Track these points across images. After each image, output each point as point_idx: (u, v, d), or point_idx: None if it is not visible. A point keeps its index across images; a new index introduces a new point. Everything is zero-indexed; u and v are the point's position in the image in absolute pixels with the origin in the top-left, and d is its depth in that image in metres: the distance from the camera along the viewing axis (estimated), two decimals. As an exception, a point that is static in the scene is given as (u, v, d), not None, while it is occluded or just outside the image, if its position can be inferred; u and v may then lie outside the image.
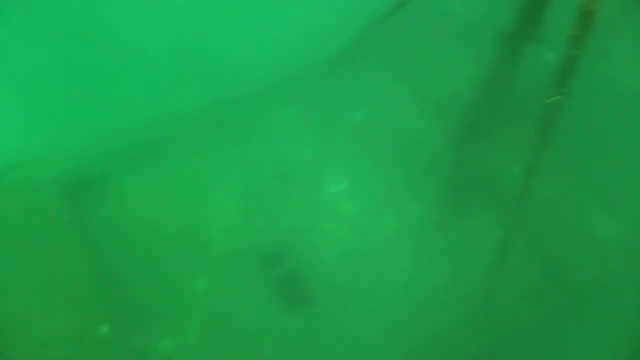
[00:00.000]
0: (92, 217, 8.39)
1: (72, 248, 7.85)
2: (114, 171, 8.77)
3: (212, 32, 10.52)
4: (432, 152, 9.00)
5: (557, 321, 8.16)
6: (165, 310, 7.85)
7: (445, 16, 9.84)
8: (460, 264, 8.29)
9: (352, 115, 9.47)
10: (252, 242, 8.39)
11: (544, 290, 8.29)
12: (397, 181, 8.88)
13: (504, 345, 8.05)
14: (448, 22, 9.98)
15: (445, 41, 9.95)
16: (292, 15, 10.46)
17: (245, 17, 10.48)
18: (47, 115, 9.98)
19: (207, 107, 9.38)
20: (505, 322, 8.08)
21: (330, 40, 9.54)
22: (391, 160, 9.04)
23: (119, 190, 8.59)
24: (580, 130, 9.02)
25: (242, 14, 10.61)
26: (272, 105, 9.41)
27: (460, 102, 8.65)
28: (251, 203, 8.68)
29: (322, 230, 8.53)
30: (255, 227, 8.52)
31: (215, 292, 8.05)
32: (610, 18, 8.67)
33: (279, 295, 8.16)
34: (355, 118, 9.45)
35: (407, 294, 8.18)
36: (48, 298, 7.48)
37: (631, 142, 8.24)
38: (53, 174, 8.46)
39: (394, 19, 8.51)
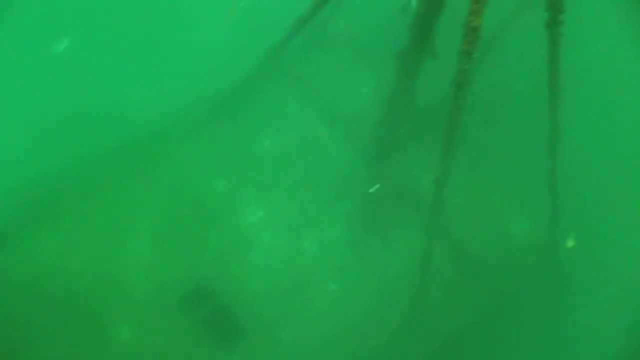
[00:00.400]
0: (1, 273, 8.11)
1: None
2: (23, 223, 8.43)
3: (110, 74, 10.29)
4: (344, 172, 9.09)
5: (487, 321, 8.37)
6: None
7: (344, 37, 10.01)
8: (385, 278, 8.38)
9: (261, 142, 9.46)
10: (174, 282, 8.19)
11: (471, 293, 8.49)
12: (314, 204, 8.92)
13: (441, 352, 8.16)
14: (348, 43, 10.16)
15: (347, 61, 10.12)
16: (191, 50, 10.34)
17: (144, 56, 10.31)
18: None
19: (115, 150, 9.10)
20: (438, 329, 8.20)
21: (233, 69, 9.53)
22: (305, 184, 9.06)
23: (29, 243, 8.26)
24: (483, 136, 9.37)
25: (139, 54, 10.43)
26: (181, 140, 9.27)
27: (368, 119, 8.78)
28: (170, 242, 8.49)
29: (244, 262, 8.43)
30: (176, 266, 8.32)
31: (139, 339, 7.77)
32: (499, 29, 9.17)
33: (209, 333, 7.98)
34: (265, 145, 9.45)
35: (337, 315, 8.19)
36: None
37: (530, 142, 8.59)
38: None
39: (294, 44, 8.60)
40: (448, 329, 8.24)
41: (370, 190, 8.19)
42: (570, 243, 8.13)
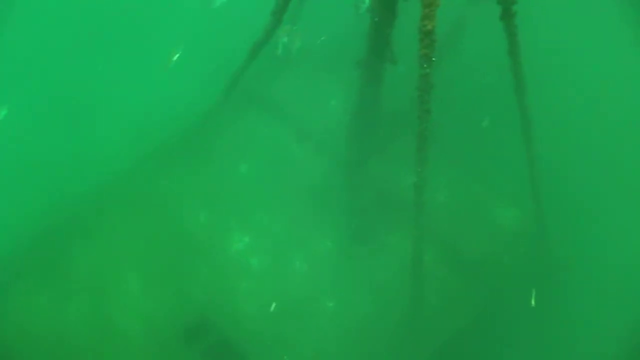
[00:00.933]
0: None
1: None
2: (13, 278, 8.33)
3: (84, 117, 10.28)
4: (324, 186, 9.07)
5: (484, 318, 8.35)
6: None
7: (303, 52, 9.98)
8: (380, 287, 8.34)
9: (237, 168, 9.45)
10: (171, 321, 8.09)
11: (466, 290, 8.48)
12: (298, 222, 8.89)
13: (443, 350, 8.13)
14: (308, 58, 10.17)
15: (311, 75, 10.16)
16: (158, 85, 10.32)
17: (117, 96, 10.32)
18: None
19: (92, 197, 9.03)
20: (438, 328, 8.16)
21: (199, 99, 9.55)
22: (286, 203, 9.04)
23: (20, 297, 8.15)
24: (457, 133, 9.41)
25: (114, 91, 10.43)
26: (158, 176, 9.22)
27: (340, 130, 8.78)
28: (160, 280, 8.41)
29: (237, 290, 8.36)
30: (170, 304, 8.23)
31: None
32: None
33: (211, 366, 7.92)
34: (241, 170, 9.44)
35: (336, 329, 8.13)
36: None
37: (504, 133, 8.63)
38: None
39: (255, 67, 8.61)
40: (447, 330, 8.19)
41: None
42: (532, 301, 8.22)
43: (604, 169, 9.88)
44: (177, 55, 8.15)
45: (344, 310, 8.20)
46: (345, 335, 8.05)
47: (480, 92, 9.89)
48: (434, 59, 5.47)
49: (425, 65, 5.51)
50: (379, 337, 8.03)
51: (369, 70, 7.39)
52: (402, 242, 8.22)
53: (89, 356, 7.84)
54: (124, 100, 10.11)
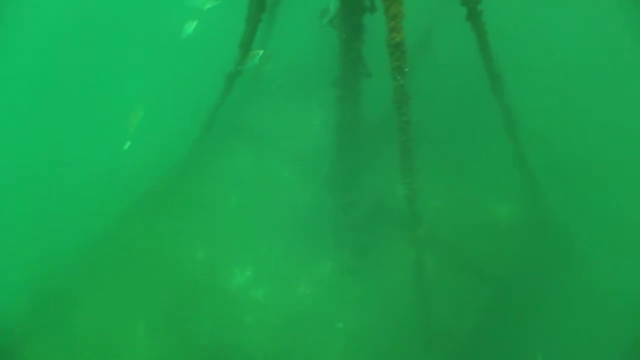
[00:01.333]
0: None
1: None
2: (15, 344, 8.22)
3: (66, 168, 10.24)
4: (318, 206, 8.98)
5: (494, 317, 8.28)
6: None
7: (279, 74, 9.96)
8: (386, 300, 8.25)
9: (229, 200, 9.38)
10: (180, 363, 8.01)
11: (472, 293, 8.39)
12: (296, 247, 8.79)
13: (459, 353, 8.06)
14: (285, 79, 10.14)
15: (290, 98, 10.12)
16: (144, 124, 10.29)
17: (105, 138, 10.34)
18: None
19: (88, 248, 8.94)
20: (451, 331, 8.07)
21: (184, 135, 9.47)
22: (282, 229, 8.96)
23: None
24: (443, 136, 9.41)
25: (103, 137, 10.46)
26: (149, 222, 9.12)
27: (327, 149, 8.70)
28: (167, 327, 8.28)
29: (245, 324, 8.26)
30: (180, 350, 8.11)
31: None
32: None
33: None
34: (233, 202, 9.37)
35: (352, 350, 8.04)
36: None
37: (489, 130, 8.60)
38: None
39: (234, 94, 8.56)
40: (457, 337, 8.11)
41: None
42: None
43: (592, 155, 9.83)
44: (149, 100, 8.14)
45: (354, 330, 8.11)
46: (359, 354, 7.96)
47: (459, 93, 9.87)
48: (406, 70, 5.43)
49: (398, 77, 5.46)
50: (392, 353, 7.95)
51: (345, 87, 7.35)
52: (403, 252, 8.12)
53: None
54: (104, 150, 10.01)
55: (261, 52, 8.15)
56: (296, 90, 10.22)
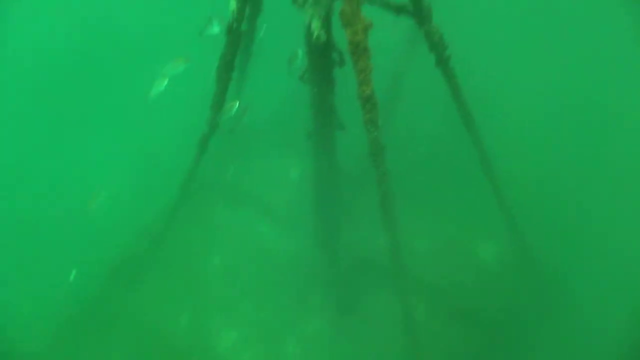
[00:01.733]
0: None
1: None
2: None
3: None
4: (301, 263, 8.85)
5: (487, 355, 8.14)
6: None
7: (255, 128, 9.93)
8: (378, 355, 8.05)
9: (211, 261, 9.20)
10: None
11: (464, 335, 8.25)
12: (283, 306, 8.61)
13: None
14: (260, 132, 10.14)
15: (266, 151, 10.08)
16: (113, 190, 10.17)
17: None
18: None
19: (70, 321, 8.67)
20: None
21: (162, 195, 9.34)
22: (267, 287, 8.78)
23: None
24: (422, 179, 9.41)
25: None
26: (133, 289, 8.88)
27: (306, 202, 8.61)
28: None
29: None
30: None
31: None
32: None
33: None
34: (215, 262, 9.19)
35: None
36: None
37: (467, 171, 8.64)
38: None
39: (210, 151, 8.47)
40: None
41: None
42: None
43: (570, 191, 9.90)
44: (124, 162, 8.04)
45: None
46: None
47: (434, 138, 9.93)
48: (379, 122, 5.41)
49: (372, 130, 5.44)
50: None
51: (320, 140, 7.32)
52: (391, 303, 7.98)
53: None
54: (82, 220, 9.84)
55: (237, 103, 8.10)
56: (272, 143, 10.19)
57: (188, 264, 9.20)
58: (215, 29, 7.68)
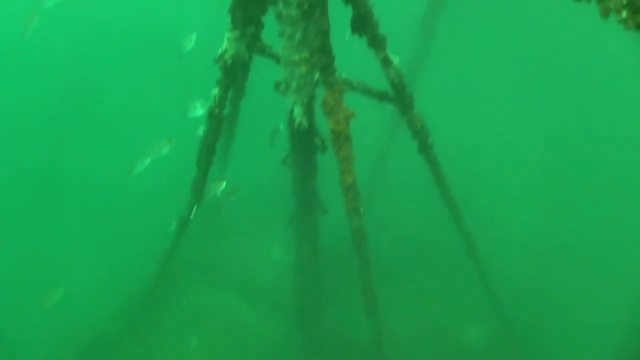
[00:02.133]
0: None
1: None
2: None
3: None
4: (283, 348, 8.54)
5: None
6: None
7: (237, 208, 9.81)
8: None
9: (189, 344, 8.82)
10: None
11: None
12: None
13: None
14: (242, 213, 10.02)
15: (248, 233, 9.95)
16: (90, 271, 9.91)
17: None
18: None
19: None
20: None
21: (137, 276, 9.10)
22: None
23: None
24: (404, 262, 9.31)
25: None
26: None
27: (287, 284, 8.41)
28: None
29: None
30: None
31: None
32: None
33: None
34: (193, 345, 8.81)
35: None
36: None
37: (449, 253, 8.60)
38: None
39: (191, 230, 8.30)
40: None
41: None
42: None
43: (556, 269, 9.87)
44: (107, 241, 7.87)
45: None
46: None
47: (417, 223, 9.92)
48: (362, 210, 5.32)
49: (355, 218, 5.35)
50: None
51: (302, 223, 7.21)
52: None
53: None
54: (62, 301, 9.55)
55: (224, 183, 7.99)
56: (254, 224, 10.06)
57: (164, 346, 8.82)
58: (199, 110, 7.72)
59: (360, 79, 5.97)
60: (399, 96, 5.87)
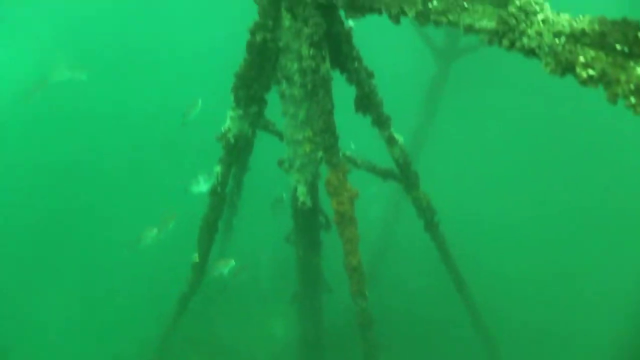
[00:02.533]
0: None
1: None
2: None
3: None
4: None
5: None
6: None
7: (242, 284, 9.59)
8: None
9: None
10: None
11: None
12: None
13: None
14: (247, 289, 9.79)
15: (251, 310, 9.70)
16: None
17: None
18: None
19: None
20: None
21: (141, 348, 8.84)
22: None
23: None
24: (410, 340, 9.05)
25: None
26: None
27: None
28: None
29: None
30: None
31: None
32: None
33: None
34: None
35: None
36: None
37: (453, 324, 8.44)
38: None
39: (195, 304, 8.06)
40: None
41: None
42: None
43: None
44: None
45: None
46: None
47: (423, 299, 9.70)
48: (367, 293, 5.14)
49: (359, 301, 5.15)
50: None
51: (306, 301, 7.00)
52: None
53: None
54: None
55: (232, 261, 7.82)
56: (257, 302, 9.81)
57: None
58: (202, 186, 7.62)
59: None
60: (404, 175, 5.79)
